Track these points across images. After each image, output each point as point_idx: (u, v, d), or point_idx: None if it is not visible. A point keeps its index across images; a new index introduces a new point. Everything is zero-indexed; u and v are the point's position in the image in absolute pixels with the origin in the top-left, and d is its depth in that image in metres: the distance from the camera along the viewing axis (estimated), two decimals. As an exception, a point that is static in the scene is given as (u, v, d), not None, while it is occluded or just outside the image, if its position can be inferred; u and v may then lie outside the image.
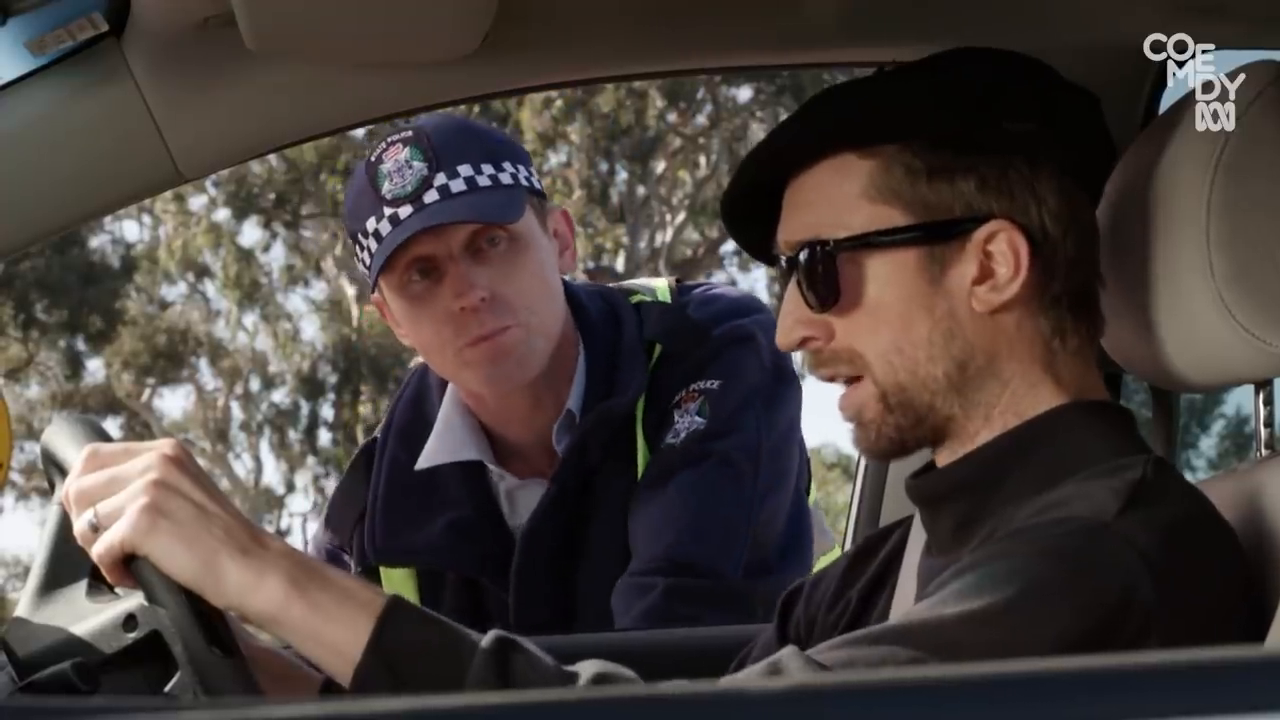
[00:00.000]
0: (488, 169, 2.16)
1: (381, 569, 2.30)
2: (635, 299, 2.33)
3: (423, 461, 2.28)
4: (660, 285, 2.37)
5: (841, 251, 1.50)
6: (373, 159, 2.17)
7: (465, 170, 2.15)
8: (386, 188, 2.14)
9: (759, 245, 1.62)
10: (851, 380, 1.52)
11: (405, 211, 2.13)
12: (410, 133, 2.16)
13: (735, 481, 2.20)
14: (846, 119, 1.53)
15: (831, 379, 1.54)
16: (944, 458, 1.54)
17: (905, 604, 1.56)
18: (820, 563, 2.42)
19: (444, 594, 2.28)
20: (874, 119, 1.52)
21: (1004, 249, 1.48)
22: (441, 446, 2.28)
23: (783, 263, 1.55)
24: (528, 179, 2.21)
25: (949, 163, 1.49)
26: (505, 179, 2.17)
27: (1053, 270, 1.50)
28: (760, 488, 2.23)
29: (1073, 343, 1.52)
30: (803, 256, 1.51)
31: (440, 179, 2.14)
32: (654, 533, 2.16)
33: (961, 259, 1.49)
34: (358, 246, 2.20)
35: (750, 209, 1.60)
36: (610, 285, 2.39)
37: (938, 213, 1.49)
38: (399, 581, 2.29)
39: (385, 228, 2.15)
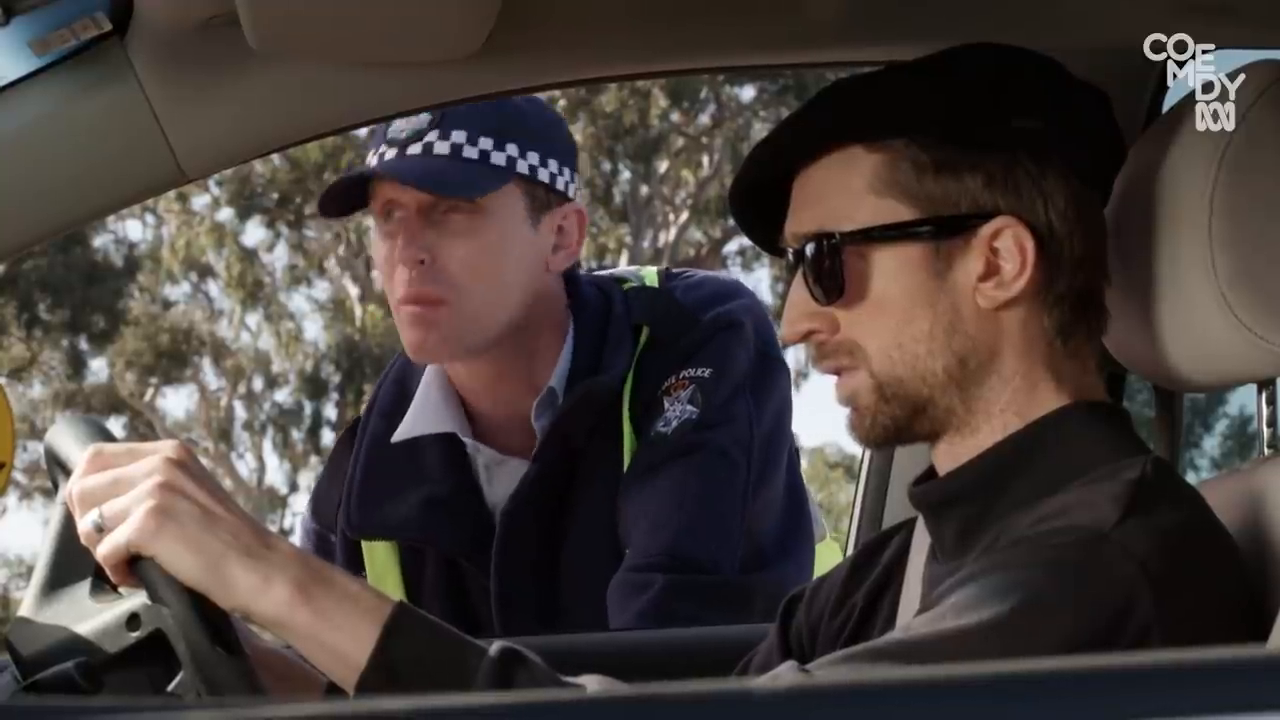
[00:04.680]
0: (485, 142, 2.18)
1: (365, 546, 2.29)
2: (625, 285, 2.33)
3: (399, 434, 2.28)
4: (649, 272, 2.38)
5: (847, 245, 1.50)
6: None
7: (458, 136, 2.17)
8: (393, 127, 2.19)
9: (766, 238, 1.62)
10: (851, 371, 1.53)
11: (390, 155, 2.18)
12: None
13: (730, 473, 2.19)
14: (854, 113, 1.53)
15: (836, 371, 1.54)
16: (944, 455, 1.54)
17: (911, 609, 1.55)
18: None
19: (426, 571, 2.28)
20: (881, 113, 1.52)
21: (1010, 246, 1.49)
22: (417, 418, 2.28)
23: (789, 256, 1.56)
24: (533, 168, 2.20)
25: (955, 158, 1.49)
26: (497, 158, 2.18)
27: (1059, 268, 1.50)
28: (752, 478, 2.22)
29: (1075, 342, 1.52)
30: (809, 249, 1.51)
31: (432, 135, 2.17)
32: (650, 526, 2.15)
33: (967, 255, 1.49)
34: None
35: (757, 202, 1.60)
36: (601, 272, 2.39)
37: (943, 208, 1.49)
38: (382, 559, 2.29)
39: (372, 162, 2.21)
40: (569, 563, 2.22)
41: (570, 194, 2.25)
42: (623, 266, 2.46)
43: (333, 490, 2.35)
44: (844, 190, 1.51)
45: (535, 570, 2.23)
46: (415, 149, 2.17)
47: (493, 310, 2.20)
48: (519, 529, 2.22)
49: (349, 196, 2.23)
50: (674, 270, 2.40)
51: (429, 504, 2.26)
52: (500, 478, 2.28)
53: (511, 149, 2.19)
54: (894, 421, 1.52)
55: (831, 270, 1.50)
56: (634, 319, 2.27)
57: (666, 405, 2.21)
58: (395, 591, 2.26)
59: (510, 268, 2.20)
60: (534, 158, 2.20)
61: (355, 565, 2.29)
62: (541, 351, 2.24)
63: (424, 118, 2.17)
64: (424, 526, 2.26)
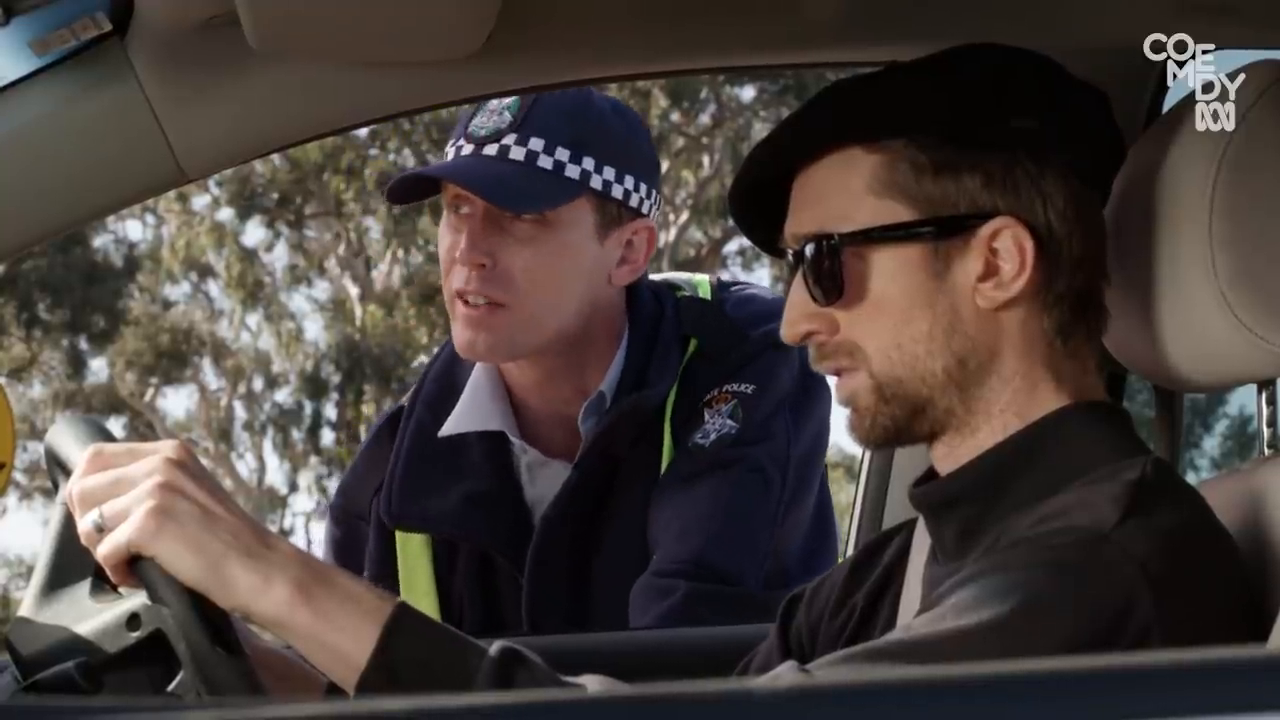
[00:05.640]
0: (562, 153, 2.17)
1: (398, 537, 2.30)
2: (679, 294, 2.33)
3: (447, 428, 2.28)
4: (701, 281, 2.38)
5: (846, 246, 1.50)
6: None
7: (536, 144, 2.16)
8: (475, 121, 2.19)
9: (766, 239, 1.62)
10: (851, 372, 1.53)
11: (466, 150, 2.18)
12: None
13: (763, 490, 2.20)
14: (853, 113, 1.53)
15: (836, 372, 1.54)
16: (943, 456, 1.54)
17: (911, 611, 1.55)
18: None
19: (457, 564, 2.29)
20: (880, 114, 1.52)
21: (1009, 246, 1.48)
22: (466, 414, 2.28)
23: (789, 256, 1.56)
24: (608, 184, 2.19)
25: (954, 159, 1.49)
26: (571, 170, 2.17)
27: (1058, 269, 1.50)
28: (785, 497, 2.23)
29: (1075, 342, 1.52)
30: (808, 250, 1.51)
31: (510, 139, 2.16)
32: (679, 534, 2.15)
33: (966, 255, 1.49)
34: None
35: (757, 203, 1.60)
36: (657, 278, 2.39)
37: (942, 209, 1.49)
38: (415, 551, 2.29)
39: (449, 154, 2.21)
40: (603, 569, 2.23)
41: (645, 210, 2.24)
42: (678, 273, 2.46)
43: (369, 477, 2.34)
44: (843, 191, 1.51)
45: (569, 576, 2.23)
46: (491, 150, 2.16)
47: (547, 318, 2.20)
48: (558, 536, 2.23)
49: (419, 186, 2.24)
50: (725, 281, 2.39)
51: (469, 499, 2.27)
52: (541, 478, 2.28)
53: (588, 162, 2.17)
54: (894, 422, 1.51)
55: (831, 271, 1.50)
56: (683, 330, 2.27)
57: (707, 417, 2.21)
58: (426, 582, 2.27)
59: (571, 279, 2.20)
60: (610, 173, 2.19)
61: (387, 553, 2.29)
62: (594, 357, 2.24)
63: (505, 115, 2.16)
64: (462, 521, 2.26)
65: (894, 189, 1.50)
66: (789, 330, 1.54)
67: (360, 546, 2.32)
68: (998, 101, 1.50)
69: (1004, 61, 1.54)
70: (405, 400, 2.39)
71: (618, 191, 2.20)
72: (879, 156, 1.50)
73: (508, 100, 2.17)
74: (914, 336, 1.49)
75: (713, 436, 2.20)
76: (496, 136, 2.16)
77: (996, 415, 1.51)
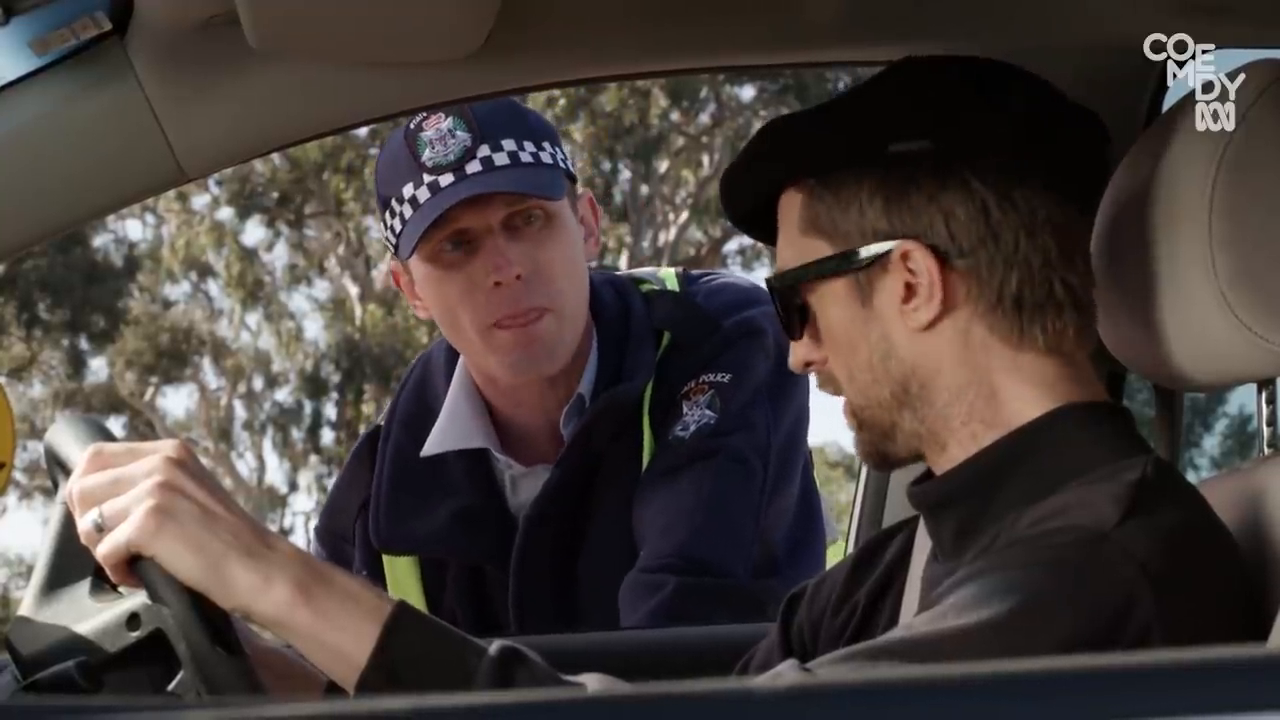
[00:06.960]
0: (529, 146, 2.17)
1: (385, 558, 2.30)
2: (644, 288, 2.33)
3: (428, 448, 2.28)
4: (668, 273, 2.37)
5: (791, 284, 1.55)
6: (411, 126, 2.18)
7: (509, 144, 2.16)
8: (427, 155, 2.15)
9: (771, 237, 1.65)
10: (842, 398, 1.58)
11: (447, 180, 2.14)
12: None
13: (745, 479, 2.20)
14: (778, 154, 1.57)
15: (836, 395, 1.59)
16: (933, 466, 1.55)
17: (912, 609, 1.56)
18: (828, 557, 2.41)
19: (447, 580, 2.28)
20: (794, 154, 1.56)
21: (921, 266, 1.50)
22: (447, 433, 2.28)
23: None
24: (564, 161, 2.22)
25: (855, 190, 1.52)
26: (546, 158, 2.18)
27: (980, 277, 1.49)
28: (767, 485, 2.22)
29: (1045, 342, 1.50)
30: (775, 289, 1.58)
31: (484, 150, 2.15)
32: (665, 529, 2.15)
33: (885, 282, 1.51)
34: (388, 213, 2.19)
35: (755, 218, 1.63)
36: (618, 273, 2.39)
37: (855, 240, 1.52)
38: (403, 569, 2.29)
39: (424, 194, 2.15)
40: (587, 566, 2.23)
41: (575, 177, 2.27)
42: (640, 269, 2.46)
43: (350, 499, 2.34)
44: (786, 230, 1.57)
45: (554, 574, 2.23)
46: (473, 166, 2.14)
47: (580, 309, 2.22)
48: (540, 535, 2.22)
49: (419, 232, 2.16)
50: (694, 273, 2.40)
51: (455, 517, 2.26)
52: (524, 487, 2.28)
53: (547, 146, 2.20)
54: (874, 446, 1.56)
55: (787, 309, 1.56)
56: (655, 323, 2.27)
57: (685, 410, 2.21)
58: (416, 598, 2.27)
59: (582, 262, 2.23)
60: (559, 153, 2.22)
61: (376, 573, 2.29)
62: (574, 359, 2.24)
63: (460, 134, 2.15)
64: (450, 539, 2.26)
65: (814, 226, 1.54)
66: (793, 360, 1.59)
67: (346, 567, 2.31)
68: (877, 130, 1.52)
69: (896, 88, 1.56)
70: (381, 420, 2.39)
71: (569, 167, 2.24)
72: (802, 196, 1.55)
73: (445, 123, 2.15)
74: (860, 366, 1.53)
75: (692, 428, 2.20)
76: (470, 154, 2.15)
77: (960, 428, 1.51)
